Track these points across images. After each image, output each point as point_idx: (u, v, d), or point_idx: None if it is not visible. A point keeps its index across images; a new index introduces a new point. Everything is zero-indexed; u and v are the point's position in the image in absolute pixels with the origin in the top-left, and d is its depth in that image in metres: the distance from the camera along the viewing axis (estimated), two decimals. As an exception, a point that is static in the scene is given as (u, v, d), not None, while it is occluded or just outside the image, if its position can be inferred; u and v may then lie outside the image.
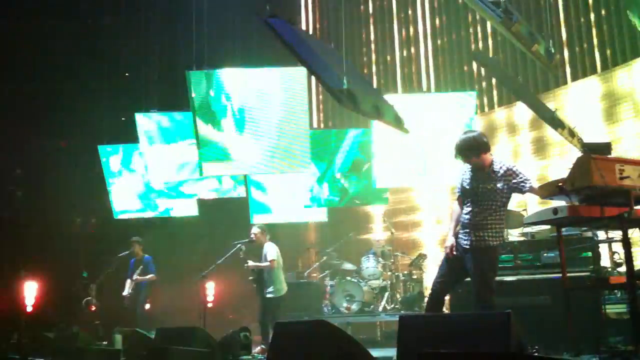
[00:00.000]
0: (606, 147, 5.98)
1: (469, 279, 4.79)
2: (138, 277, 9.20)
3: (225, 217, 10.25)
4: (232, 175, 9.39)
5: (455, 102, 8.76)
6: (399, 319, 3.93)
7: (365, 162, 9.34)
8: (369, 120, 8.65)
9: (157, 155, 9.19)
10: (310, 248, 11.21)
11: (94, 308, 9.25)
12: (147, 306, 9.22)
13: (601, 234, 6.25)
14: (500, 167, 4.69)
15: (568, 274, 4.87)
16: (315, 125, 12.32)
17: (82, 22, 10.90)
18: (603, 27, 9.35)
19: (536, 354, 4.98)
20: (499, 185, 4.65)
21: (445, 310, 5.48)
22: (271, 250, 8.03)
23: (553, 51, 6.47)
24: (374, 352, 4.06)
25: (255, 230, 8.16)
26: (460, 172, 4.91)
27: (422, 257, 9.52)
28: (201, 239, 10.31)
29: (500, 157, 4.92)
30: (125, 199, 10.17)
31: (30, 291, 9.21)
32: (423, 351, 3.10)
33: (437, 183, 9.65)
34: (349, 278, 9.34)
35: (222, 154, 8.09)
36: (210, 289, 8.97)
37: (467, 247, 4.67)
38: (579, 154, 6.08)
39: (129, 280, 9.29)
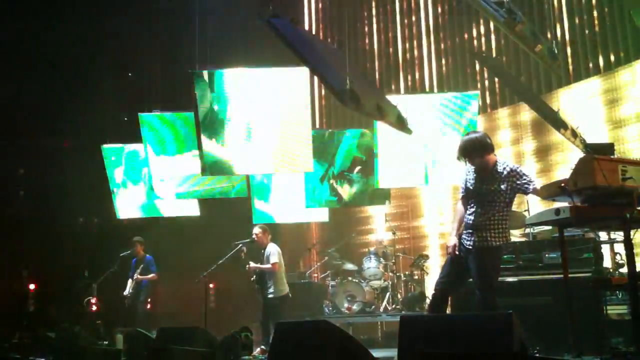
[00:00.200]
0: (609, 148, 5.98)
1: (471, 279, 4.77)
2: (139, 276, 9.21)
3: (227, 217, 10.24)
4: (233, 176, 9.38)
5: (458, 103, 8.75)
6: (400, 319, 3.90)
7: (366, 162, 9.34)
8: (370, 120, 8.65)
9: (163, 167, 9.20)
10: (311, 248, 11.23)
11: (95, 308, 9.25)
12: (148, 306, 9.22)
13: (603, 235, 6.25)
14: (504, 168, 4.68)
15: (570, 275, 4.85)
16: (316, 125, 12.32)
17: (86, 23, 10.90)
18: (606, 28, 9.34)
19: (537, 355, 4.96)
20: (502, 186, 4.63)
21: (447, 310, 5.46)
22: (274, 253, 7.92)
23: (556, 51, 6.47)
24: (375, 353, 4.03)
25: (256, 230, 8.08)
26: (465, 172, 4.90)
27: (423, 257, 9.51)
28: (202, 239, 10.30)
29: (503, 157, 4.91)
30: (128, 207, 10.19)
31: (32, 290, 9.23)
32: (424, 352, 3.09)
33: (439, 183, 9.64)
34: (350, 278, 9.34)
35: (225, 155, 8.09)
36: (212, 288, 8.96)
37: (470, 247, 4.65)
38: (582, 154, 6.07)
39: (130, 280, 9.31)
